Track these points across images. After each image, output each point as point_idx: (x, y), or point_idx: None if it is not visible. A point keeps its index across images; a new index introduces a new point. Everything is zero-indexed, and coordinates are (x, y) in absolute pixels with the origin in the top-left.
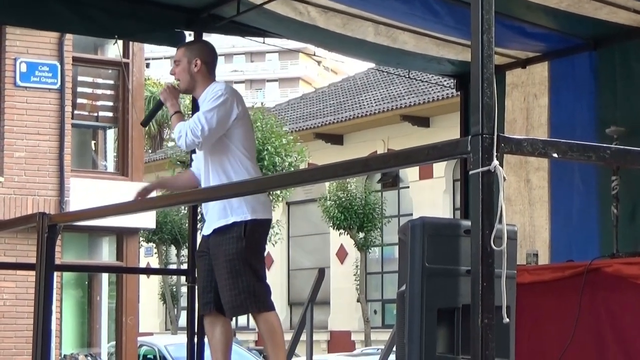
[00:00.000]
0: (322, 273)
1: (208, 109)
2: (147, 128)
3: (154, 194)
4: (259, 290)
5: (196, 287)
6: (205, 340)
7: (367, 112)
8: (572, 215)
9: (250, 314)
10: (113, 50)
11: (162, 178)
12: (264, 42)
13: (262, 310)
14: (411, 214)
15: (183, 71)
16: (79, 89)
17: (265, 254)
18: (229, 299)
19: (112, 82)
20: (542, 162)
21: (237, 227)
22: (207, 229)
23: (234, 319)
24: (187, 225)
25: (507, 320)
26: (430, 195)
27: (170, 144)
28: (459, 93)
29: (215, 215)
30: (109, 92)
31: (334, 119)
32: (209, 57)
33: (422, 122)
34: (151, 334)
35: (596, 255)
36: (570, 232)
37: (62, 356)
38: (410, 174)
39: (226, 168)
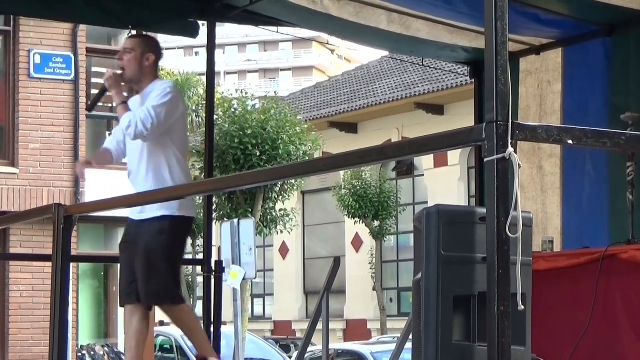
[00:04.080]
0: (337, 262)
1: (158, 104)
2: None
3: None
4: (172, 284)
5: (119, 276)
6: (222, 329)
7: (381, 100)
8: (583, 202)
9: (166, 305)
10: None
11: (91, 156)
12: (277, 31)
13: (175, 302)
14: (426, 202)
15: (134, 61)
16: (93, 80)
17: (281, 243)
18: (144, 289)
19: None
20: (555, 149)
21: (162, 220)
22: (133, 216)
23: (249, 310)
24: (202, 215)
25: (522, 307)
26: (445, 183)
27: None
28: (473, 80)
29: (145, 206)
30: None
31: (348, 107)
32: (160, 55)
33: (437, 110)
34: (168, 323)
35: (606, 242)
36: (581, 219)
37: (79, 347)
38: (425, 162)
39: (161, 163)
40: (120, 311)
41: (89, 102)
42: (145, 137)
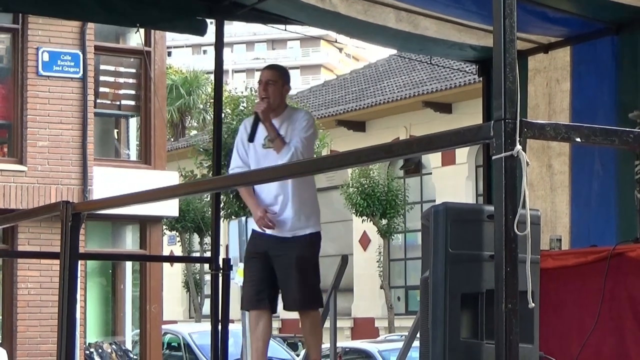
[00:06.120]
0: (345, 260)
1: (308, 135)
2: (168, 116)
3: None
4: (320, 291)
5: (245, 283)
6: (230, 327)
7: (389, 98)
8: (591, 200)
9: (313, 310)
10: (135, 38)
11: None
12: (285, 30)
13: (317, 308)
14: (434, 200)
15: (277, 92)
16: (101, 78)
17: None
18: (298, 295)
19: (134, 70)
20: (564, 148)
21: (312, 236)
22: (274, 233)
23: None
24: (210, 213)
25: (533, 305)
26: (453, 181)
27: (193, 132)
28: (481, 79)
29: (294, 225)
30: (131, 80)
31: (356, 105)
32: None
33: (445, 108)
34: (175, 322)
35: (614, 240)
36: (590, 217)
37: (87, 344)
38: (432, 160)
39: (304, 185)
40: (128, 309)
41: (249, 134)
42: None
